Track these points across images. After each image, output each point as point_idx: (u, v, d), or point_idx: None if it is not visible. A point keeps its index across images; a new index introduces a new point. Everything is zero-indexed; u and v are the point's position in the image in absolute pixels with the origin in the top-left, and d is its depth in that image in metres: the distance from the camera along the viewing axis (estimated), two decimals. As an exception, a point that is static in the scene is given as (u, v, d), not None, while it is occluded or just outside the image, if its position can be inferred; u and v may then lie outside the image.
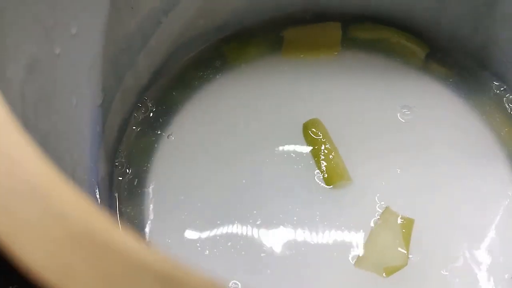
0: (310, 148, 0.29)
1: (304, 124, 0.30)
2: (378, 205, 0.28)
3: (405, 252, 0.26)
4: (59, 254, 0.10)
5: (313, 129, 0.29)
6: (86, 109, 0.25)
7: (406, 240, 0.26)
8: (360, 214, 0.27)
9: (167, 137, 0.30)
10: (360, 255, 0.26)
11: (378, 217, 0.27)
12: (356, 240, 0.27)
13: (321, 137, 0.29)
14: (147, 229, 0.28)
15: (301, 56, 0.32)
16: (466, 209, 0.28)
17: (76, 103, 0.23)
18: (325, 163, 0.29)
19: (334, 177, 0.28)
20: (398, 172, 0.28)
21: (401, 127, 0.30)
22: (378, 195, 0.28)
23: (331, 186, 0.28)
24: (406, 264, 0.26)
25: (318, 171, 0.28)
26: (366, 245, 0.26)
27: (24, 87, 0.18)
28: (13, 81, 0.17)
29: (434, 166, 0.29)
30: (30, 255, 0.10)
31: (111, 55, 0.26)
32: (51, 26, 0.20)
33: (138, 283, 0.10)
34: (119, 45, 0.26)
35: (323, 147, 0.29)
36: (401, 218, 0.27)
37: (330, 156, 0.28)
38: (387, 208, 0.27)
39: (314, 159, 0.29)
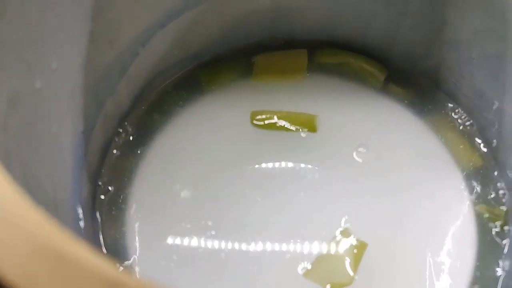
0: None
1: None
2: (338, 223, 0.30)
3: (352, 272, 0.28)
4: (26, 265, 0.12)
5: (258, 117, 0.32)
6: (68, 135, 0.27)
7: (356, 261, 0.28)
8: (320, 229, 0.30)
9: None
10: (309, 268, 0.28)
11: (336, 235, 0.29)
12: (310, 253, 0.29)
13: (268, 115, 0.32)
14: (130, 247, 0.30)
15: (270, 80, 0.34)
16: (424, 224, 0.30)
17: (57, 130, 0.26)
18: (292, 123, 0.32)
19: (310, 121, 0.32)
20: (357, 191, 0.31)
21: (361, 144, 0.32)
22: (339, 213, 0.30)
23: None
24: (351, 283, 0.28)
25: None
26: (318, 258, 0.28)
27: (5, 119, 0.20)
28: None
29: (391, 179, 0.31)
30: (3, 266, 0.12)
31: (91, 84, 0.28)
32: (32, 61, 0.23)
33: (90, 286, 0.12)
34: (98, 75, 0.29)
35: (276, 119, 0.32)
36: (356, 240, 0.29)
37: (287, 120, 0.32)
38: (345, 229, 0.29)
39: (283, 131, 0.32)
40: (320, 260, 0.28)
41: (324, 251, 0.29)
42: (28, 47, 0.22)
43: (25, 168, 0.22)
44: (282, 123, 0.33)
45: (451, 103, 0.33)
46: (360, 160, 0.31)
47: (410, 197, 0.31)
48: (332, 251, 0.29)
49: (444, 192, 0.31)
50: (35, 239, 0.12)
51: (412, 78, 0.34)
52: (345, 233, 0.29)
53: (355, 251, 0.29)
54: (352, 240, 0.29)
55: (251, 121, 0.33)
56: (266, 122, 0.33)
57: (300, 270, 0.29)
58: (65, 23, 0.24)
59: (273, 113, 0.33)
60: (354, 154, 0.32)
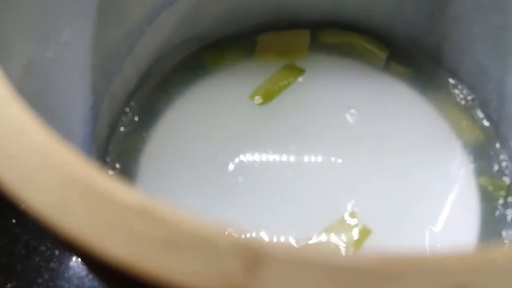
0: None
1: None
2: (341, 203, 0.30)
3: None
4: (55, 196, 0.12)
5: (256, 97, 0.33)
6: (77, 109, 0.27)
7: (357, 244, 0.28)
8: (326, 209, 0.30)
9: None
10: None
11: (341, 217, 0.29)
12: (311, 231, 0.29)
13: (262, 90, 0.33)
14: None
15: (272, 59, 0.35)
16: (428, 199, 0.31)
17: (68, 103, 0.26)
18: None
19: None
20: (362, 167, 0.31)
21: (362, 123, 0.32)
22: (343, 191, 0.30)
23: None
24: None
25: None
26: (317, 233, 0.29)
27: (20, 86, 0.21)
28: (11, 80, 0.20)
29: (395, 156, 0.31)
30: (31, 195, 0.12)
31: (100, 61, 0.29)
32: (45, 32, 0.23)
33: (120, 216, 0.12)
34: (106, 52, 0.29)
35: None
36: (361, 224, 0.29)
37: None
38: (352, 212, 0.29)
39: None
40: (319, 234, 0.29)
41: (325, 228, 0.29)
42: (41, 17, 0.23)
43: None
44: (276, 86, 0.34)
45: (452, 80, 0.34)
46: (362, 134, 0.32)
47: (413, 172, 0.31)
48: (333, 230, 0.29)
49: (447, 166, 0.31)
50: (63, 170, 0.13)
51: (415, 56, 0.35)
52: (352, 215, 0.29)
53: (356, 236, 0.29)
54: (357, 224, 0.29)
55: (254, 102, 0.33)
56: (263, 97, 0.33)
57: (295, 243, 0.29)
58: (75, -4, 0.25)
59: (266, 85, 0.34)
60: (361, 128, 0.32)
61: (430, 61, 0.34)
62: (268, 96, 0.33)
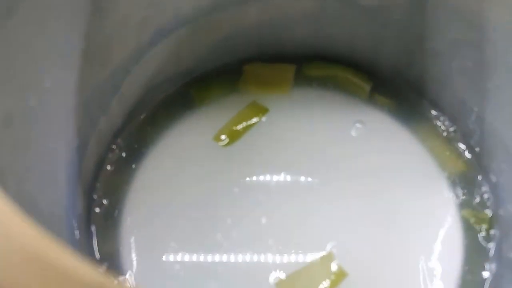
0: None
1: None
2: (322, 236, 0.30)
3: None
4: (17, 275, 0.13)
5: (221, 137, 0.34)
6: (62, 152, 0.28)
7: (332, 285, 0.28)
8: (304, 241, 0.30)
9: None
10: (283, 279, 0.29)
11: (319, 256, 0.29)
12: (287, 265, 0.29)
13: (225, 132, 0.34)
14: (125, 261, 0.31)
15: (255, 90, 0.35)
16: (411, 230, 0.31)
17: (52, 148, 0.27)
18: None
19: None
20: (344, 202, 0.31)
21: (349, 154, 0.33)
22: (324, 223, 0.30)
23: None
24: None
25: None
26: (295, 273, 0.29)
27: (1, 139, 0.21)
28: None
29: (377, 190, 0.32)
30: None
31: (84, 102, 0.29)
32: (26, 81, 0.24)
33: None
34: (91, 93, 0.30)
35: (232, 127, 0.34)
36: (337, 266, 0.29)
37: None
38: (329, 253, 0.29)
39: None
40: (296, 275, 0.29)
41: (304, 268, 0.29)
42: (21, 67, 0.23)
43: (20, 184, 0.22)
44: (239, 126, 0.34)
45: (435, 111, 0.34)
46: (346, 168, 0.32)
47: (396, 203, 0.31)
48: (311, 270, 0.29)
49: (430, 198, 0.32)
50: (27, 249, 0.13)
51: (398, 88, 0.35)
52: (329, 257, 0.29)
53: (333, 277, 0.29)
54: (334, 265, 0.29)
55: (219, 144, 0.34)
56: (228, 139, 0.34)
57: (272, 280, 0.29)
58: (57, 44, 0.25)
59: (227, 127, 0.34)
60: (341, 160, 0.33)
61: (413, 92, 0.35)
62: (233, 137, 0.34)
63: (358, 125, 0.34)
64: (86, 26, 0.27)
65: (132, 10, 0.29)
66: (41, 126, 0.25)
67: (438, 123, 0.34)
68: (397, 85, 0.35)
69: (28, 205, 0.23)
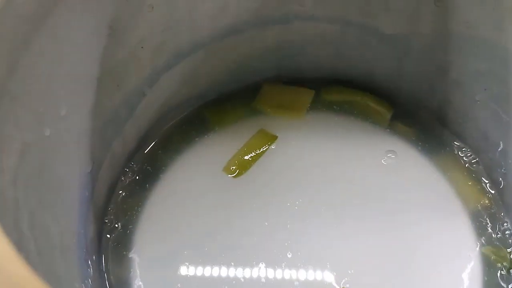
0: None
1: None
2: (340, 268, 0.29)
3: None
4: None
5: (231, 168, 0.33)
6: (75, 178, 0.27)
7: None
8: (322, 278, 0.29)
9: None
10: None
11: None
12: None
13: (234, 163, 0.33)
14: (136, 284, 0.30)
15: (269, 110, 0.35)
16: (430, 265, 0.30)
17: (65, 174, 0.26)
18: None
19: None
20: (360, 236, 0.30)
21: (367, 185, 0.32)
22: (340, 261, 0.29)
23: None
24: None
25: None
26: None
27: (16, 171, 0.21)
28: (6, 170, 0.20)
29: (399, 224, 0.31)
30: None
31: (99, 127, 0.29)
32: (42, 111, 0.23)
33: None
34: (106, 118, 0.29)
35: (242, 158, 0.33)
36: None
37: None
38: None
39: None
40: None
41: None
42: (38, 98, 0.23)
43: (33, 216, 0.22)
44: (248, 156, 0.33)
45: (457, 142, 0.33)
46: (364, 199, 0.31)
47: (415, 237, 0.30)
48: None
49: (450, 232, 0.31)
50: None
51: (419, 116, 0.34)
52: None
53: None
54: None
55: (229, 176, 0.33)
56: (237, 169, 0.33)
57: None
58: (74, 71, 0.25)
59: (235, 157, 0.33)
60: (358, 192, 0.32)
61: (435, 122, 0.34)
62: (243, 167, 0.33)
63: (376, 154, 0.33)
64: (102, 51, 0.27)
65: (148, 34, 0.29)
66: (55, 154, 0.25)
67: (461, 154, 0.33)
68: (418, 113, 0.34)
69: (41, 237, 0.22)
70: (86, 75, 0.26)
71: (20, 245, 0.19)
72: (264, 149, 0.33)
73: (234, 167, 0.33)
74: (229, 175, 0.33)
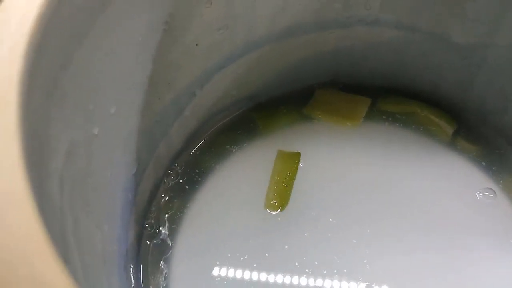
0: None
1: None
2: None
3: None
4: None
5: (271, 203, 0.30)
6: (120, 180, 0.26)
7: None
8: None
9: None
10: None
11: None
12: None
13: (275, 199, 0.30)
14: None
15: (321, 117, 0.33)
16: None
17: (110, 176, 0.25)
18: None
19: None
20: (420, 256, 0.28)
21: (425, 206, 0.30)
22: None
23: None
24: None
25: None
26: None
27: (62, 172, 0.20)
28: (53, 171, 0.19)
29: (457, 251, 0.28)
30: None
31: (146, 127, 0.27)
32: (91, 109, 0.22)
33: None
34: (154, 117, 0.28)
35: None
36: None
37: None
38: None
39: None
40: None
41: None
42: (89, 95, 0.21)
43: (77, 223, 0.21)
44: (284, 184, 0.31)
45: (528, 165, 0.31)
46: (421, 224, 0.29)
47: (472, 269, 0.28)
48: None
49: (510, 261, 0.28)
50: None
51: (485, 134, 0.32)
52: None
53: None
54: None
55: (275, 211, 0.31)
56: (280, 202, 0.30)
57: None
58: (126, 68, 0.24)
59: (272, 190, 0.31)
60: (413, 216, 0.29)
61: (503, 140, 0.31)
62: (284, 197, 0.30)
63: (434, 171, 0.31)
64: (156, 48, 0.25)
65: (203, 32, 0.27)
66: (102, 155, 0.23)
67: (532, 180, 0.30)
68: (484, 131, 0.32)
69: (84, 244, 0.21)
70: (138, 72, 0.25)
71: (66, 257, 0.18)
72: (294, 169, 0.31)
73: (275, 202, 0.30)
74: (275, 211, 0.30)
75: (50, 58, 0.18)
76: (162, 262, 0.29)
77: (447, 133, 0.32)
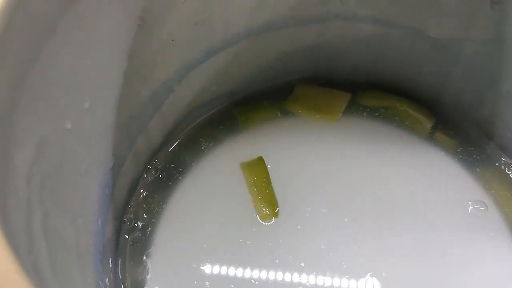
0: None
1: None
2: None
3: None
4: None
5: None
6: (96, 174, 0.26)
7: None
8: None
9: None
10: None
11: None
12: None
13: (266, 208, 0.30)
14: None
15: (301, 111, 0.33)
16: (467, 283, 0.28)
17: (85, 170, 0.25)
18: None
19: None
20: (398, 250, 0.28)
21: (403, 199, 0.30)
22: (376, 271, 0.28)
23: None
24: None
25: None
26: None
27: (32, 168, 0.20)
28: (20, 166, 0.19)
29: (436, 243, 0.28)
30: None
31: (123, 122, 0.27)
32: (63, 104, 0.22)
33: None
34: (131, 112, 0.28)
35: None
36: None
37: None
38: None
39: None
40: None
41: None
42: (60, 90, 0.21)
43: (47, 216, 0.21)
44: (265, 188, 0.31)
45: (504, 158, 0.31)
46: (399, 216, 0.29)
47: (455, 258, 0.28)
48: None
49: (492, 255, 0.28)
50: None
51: (462, 127, 0.32)
52: None
53: None
54: None
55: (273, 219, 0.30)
56: (272, 209, 0.30)
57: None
58: (100, 63, 0.24)
59: (257, 203, 0.30)
60: (392, 208, 0.29)
61: (480, 134, 0.31)
62: (272, 204, 0.30)
63: (412, 164, 0.31)
64: (131, 43, 0.25)
65: (179, 27, 0.27)
66: (76, 150, 0.24)
67: (508, 172, 0.30)
68: (462, 125, 0.32)
69: (54, 239, 0.21)
70: (112, 67, 0.25)
71: (30, 249, 0.18)
72: (266, 174, 0.31)
73: (267, 211, 0.30)
74: (273, 219, 0.30)
75: (16, 52, 0.18)
76: (140, 257, 0.29)
77: (425, 127, 0.32)
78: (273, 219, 0.30)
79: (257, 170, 0.31)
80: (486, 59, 0.28)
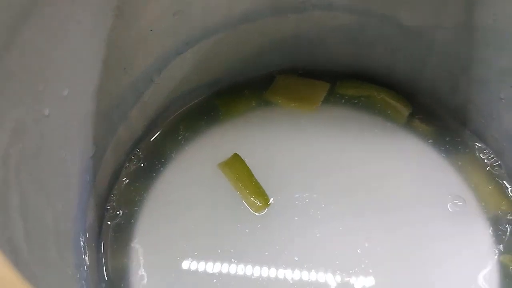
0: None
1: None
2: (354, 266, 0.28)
3: None
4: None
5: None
6: (76, 161, 0.27)
7: None
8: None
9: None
10: None
11: None
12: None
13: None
14: (133, 277, 0.29)
15: (281, 101, 0.33)
16: (444, 273, 0.28)
17: (65, 156, 0.25)
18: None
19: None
20: (374, 236, 0.29)
21: (377, 183, 0.30)
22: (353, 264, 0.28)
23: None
24: None
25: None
26: None
27: (8, 150, 0.20)
28: (-5, 146, 0.19)
29: (412, 225, 0.29)
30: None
31: (104, 110, 0.28)
32: (41, 90, 0.23)
33: None
34: (112, 101, 0.29)
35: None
36: None
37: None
38: None
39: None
40: None
41: None
42: (37, 76, 0.22)
43: (25, 198, 0.21)
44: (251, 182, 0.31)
45: (478, 143, 0.31)
46: (373, 199, 0.30)
47: (432, 243, 0.29)
48: None
49: (467, 237, 0.29)
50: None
51: (438, 115, 0.32)
52: None
53: None
54: None
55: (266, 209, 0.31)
56: (262, 200, 0.31)
57: None
58: (78, 50, 0.24)
59: (246, 195, 0.31)
60: (371, 196, 0.30)
61: (455, 121, 0.32)
62: (261, 194, 0.30)
63: (390, 151, 0.32)
64: (108, 32, 0.26)
65: (158, 17, 0.28)
66: (54, 135, 0.24)
67: (482, 156, 0.31)
68: (437, 112, 0.32)
69: (32, 219, 0.21)
70: (91, 56, 0.25)
71: (5, 224, 0.18)
72: (246, 167, 0.31)
73: (258, 202, 0.30)
74: (266, 209, 0.30)
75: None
76: (123, 243, 0.30)
77: (402, 115, 0.33)
78: (267, 208, 0.30)
79: (236, 166, 0.31)
80: (458, 45, 0.28)
